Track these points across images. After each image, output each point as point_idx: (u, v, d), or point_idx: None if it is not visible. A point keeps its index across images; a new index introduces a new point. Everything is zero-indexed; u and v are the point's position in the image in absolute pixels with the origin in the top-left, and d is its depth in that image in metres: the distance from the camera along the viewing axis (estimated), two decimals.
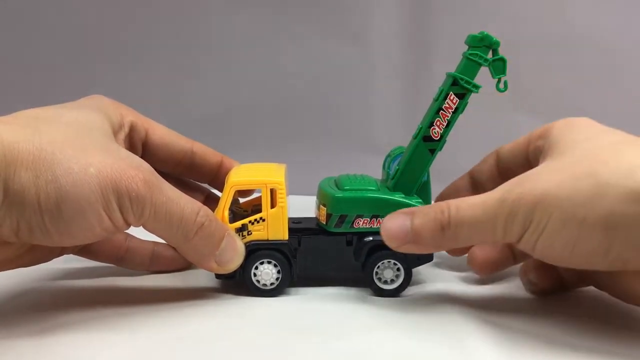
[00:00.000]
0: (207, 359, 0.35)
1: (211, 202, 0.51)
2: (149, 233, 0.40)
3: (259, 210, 0.43)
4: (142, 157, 0.46)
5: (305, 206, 0.48)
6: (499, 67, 0.43)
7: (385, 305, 0.43)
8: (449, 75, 0.44)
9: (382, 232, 0.41)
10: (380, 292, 0.44)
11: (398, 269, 0.44)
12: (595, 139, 0.38)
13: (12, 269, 0.41)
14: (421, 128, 0.44)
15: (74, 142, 0.36)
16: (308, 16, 0.74)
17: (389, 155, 0.48)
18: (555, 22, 0.74)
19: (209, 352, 0.36)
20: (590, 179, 0.35)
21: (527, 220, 0.36)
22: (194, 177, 0.50)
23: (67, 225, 0.35)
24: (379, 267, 0.44)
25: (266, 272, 0.44)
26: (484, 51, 0.43)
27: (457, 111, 0.43)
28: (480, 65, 0.43)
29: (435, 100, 0.44)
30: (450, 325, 0.39)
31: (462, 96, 0.43)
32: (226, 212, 0.43)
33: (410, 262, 0.44)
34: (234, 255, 0.42)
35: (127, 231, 0.44)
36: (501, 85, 0.43)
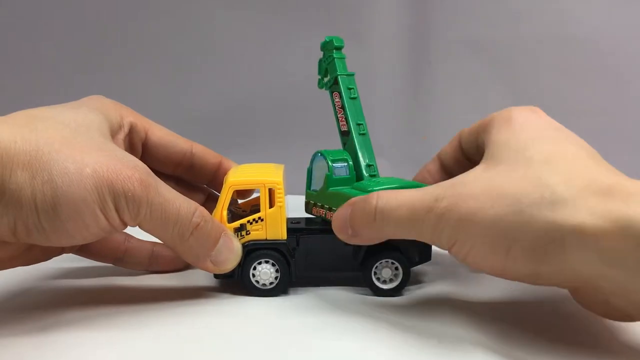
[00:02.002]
0: (206, 359, 0.35)
1: (212, 202, 0.51)
2: (148, 234, 0.40)
3: (258, 210, 0.43)
4: (141, 158, 0.46)
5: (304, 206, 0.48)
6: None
7: (384, 305, 0.43)
8: (333, 77, 0.47)
9: (332, 225, 0.42)
10: (378, 292, 0.44)
11: (396, 269, 0.44)
12: (527, 149, 0.37)
13: (11, 267, 0.41)
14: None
15: (71, 141, 0.36)
16: (308, 16, 0.74)
17: (337, 161, 0.46)
18: (555, 22, 0.74)
19: (207, 352, 0.36)
20: (514, 207, 0.34)
21: (453, 239, 0.37)
22: (194, 178, 0.50)
23: (64, 225, 0.35)
24: (377, 266, 0.44)
25: (265, 272, 0.44)
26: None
27: (342, 96, 0.47)
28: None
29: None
30: (449, 324, 0.39)
31: (337, 84, 0.47)
32: (224, 212, 0.43)
33: (409, 261, 0.44)
34: (230, 255, 0.42)
35: (126, 231, 0.45)
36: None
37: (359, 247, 0.44)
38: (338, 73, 0.47)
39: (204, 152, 0.49)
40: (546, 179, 0.35)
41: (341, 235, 0.42)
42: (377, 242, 0.41)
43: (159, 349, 0.36)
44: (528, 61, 0.74)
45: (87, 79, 0.78)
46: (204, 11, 0.76)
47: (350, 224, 0.41)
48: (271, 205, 0.43)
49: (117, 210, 0.36)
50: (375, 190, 0.42)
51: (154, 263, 0.48)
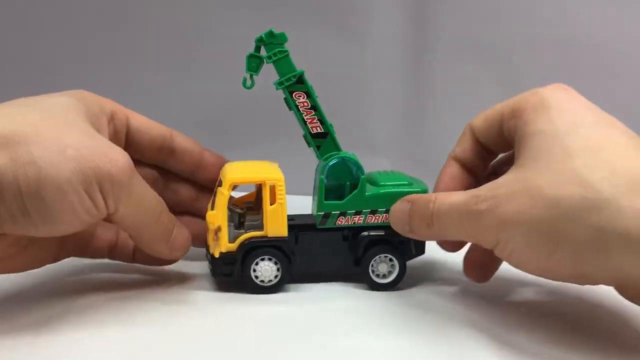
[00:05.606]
0: (205, 359, 0.35)
1: (205, 194, 0.49)
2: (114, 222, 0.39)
3: (252, 208, 0.43)
4: (126, 143, 0.45)
5: (302, 206, 0.48)
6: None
7: (383, 304, 0.43)
8: (296, 75, 0.44)
9: (389, 218, 0.44)
10: (376, 287, 0.45)
11: (392, 263, 0.45)
12: (567, 136, 0.36)
13: (3, 272, 0.40)
14: (305, 135, 0.45)
15: (50, 123, 0.36)
16: (307, 16, 0.74)
17: (345, 161, 0.46)
18: (554, 22, 0.73)
19: (207, 352, 0.36)
20: (555, 211, 0.33)
21: (495, 241, 0.36)
22: (176, 165, 0.48)
23: (50, 209, 0.35)
24: (374, 261, 0.45)
25: (266, 269, 0.44)
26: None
27: (310, 96, 0.44)
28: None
29: (290, 107, 0.45)
30: (448, 323, 0.40)
31: (302, 83, 0.44)
32: (225, 211, 0.42)
33: (405, 255, 0.45)
34: (182, 242, 0.43)
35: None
36: (248, 82, 0.44)
37: (358, 242, 0.45)
38: (302, 70, 0.44)
39: (184, 138, 0.48)
40: (587, 175, 0.33)
41: (398, 229, 0.43)
42: (434, 240, 0.43)
43: (158, 350, 0.36)
44: (528, 61, 0.74)
45: (85, 79, 0.77)
46: (202, 10, 0.76)
47: (409, 221, 0.42)
48: (272, 202, 0.43)
49: (101, 193, 0.36)
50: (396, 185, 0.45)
51: (137, 255, 0.46)
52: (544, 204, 0.34)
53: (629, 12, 0.72)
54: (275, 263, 0.44)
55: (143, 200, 0.39)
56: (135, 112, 0.47)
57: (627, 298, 0.36)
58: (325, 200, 0.45)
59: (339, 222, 0.45)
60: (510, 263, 0.37)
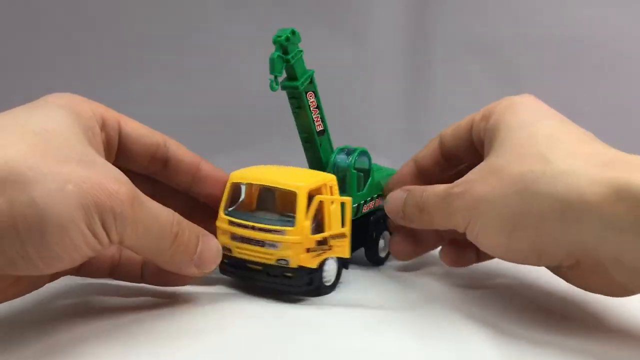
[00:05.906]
0: (206, 358, 0.35)
1: (199, 213, 0.46)
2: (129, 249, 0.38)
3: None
4: (118, 151, 0.43)
5: None
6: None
7: (384, 304, 0.43)
8: (310, 75, 0.44)
9: (386, 206, 0.46)
10: (379, 262, 0.50)
11: (384, 238, 0.49)
12: (532, 125, 0.39)
13: None
14: (311, 134, 0.46)
15: (45, 153, 0.33)
16: (307, 16, 0.74)
17: (362, 153, 0.48)
18: (555, 22, 0.74)
19: (207, 352, 0.36)
20: (518, 186, 0.36)
21: (467, 220, 0.39)
22: (172, 176, 0.45)
23: (52, 250, 0.32)
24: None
25: (332, 269, 0.43)
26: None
27: (317, 95, 0.45)
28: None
29: (300, 107, 0.45)
30: (449, 323, 0.39)
31: (312, 83, 0.45)
32: (309, 222, 0.41)
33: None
34: (210, 256, 0.40)
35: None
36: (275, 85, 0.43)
37: (373, 224, 0.48)
38: (313, 70, 0.44)
39: (179, 147, 0.44)
40: (549, 154, 0.36)
41: (393, 215, 0.45)
42: (423, 227, 0.44)
43: (163, 345, 0.36)
44: (528, 61, 0.74)
45: (84, 80, 0.77)
46: (202, 10, 0.76)
47: (403, 208, 0.44)
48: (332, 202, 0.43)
49: (104, 228, 0.34)
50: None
51: (145, 274, 0.43)
52: (509, 181, 0.36)
53: (629, 12, 0.73)
54: (336, 261, 0.43)
55: (151, 227, 0.36)
56: (127, 117, 0.43)
57: (580, 284, 0.38)
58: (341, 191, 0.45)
59: (364, 210, 0.48)
60: (478, 244, 0.39)
